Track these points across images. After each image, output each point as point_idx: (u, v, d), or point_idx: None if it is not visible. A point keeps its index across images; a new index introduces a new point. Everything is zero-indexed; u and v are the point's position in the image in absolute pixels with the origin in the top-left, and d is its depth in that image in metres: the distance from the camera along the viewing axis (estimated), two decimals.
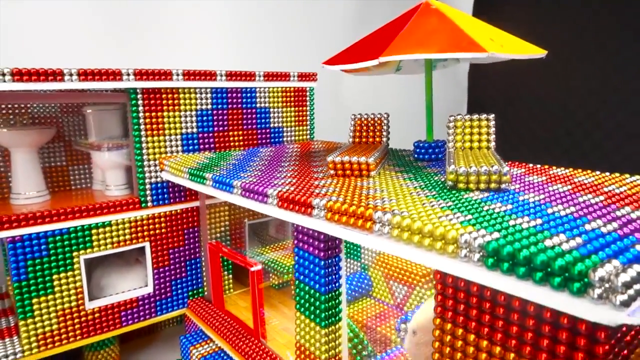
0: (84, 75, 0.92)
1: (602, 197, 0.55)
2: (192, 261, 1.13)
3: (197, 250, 1.13)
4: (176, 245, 1.10)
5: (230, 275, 1.18)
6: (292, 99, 1.26)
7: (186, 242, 1.11)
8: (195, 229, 1.12)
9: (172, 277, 1.10)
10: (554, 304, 0.34)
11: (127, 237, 1.02)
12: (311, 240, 0.66)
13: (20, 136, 1.04)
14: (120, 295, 1.04)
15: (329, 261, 0.66)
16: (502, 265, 0.37)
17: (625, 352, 0.42)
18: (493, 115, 0.77)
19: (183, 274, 1.12)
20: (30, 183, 1.05)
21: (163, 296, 1.10)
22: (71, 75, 0.90)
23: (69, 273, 0.96)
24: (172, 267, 1.10)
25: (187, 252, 1.12)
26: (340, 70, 0.93)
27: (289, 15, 1.82)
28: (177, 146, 1.07)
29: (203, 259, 1.14)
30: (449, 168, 0.60)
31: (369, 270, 1.10)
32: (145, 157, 1.03)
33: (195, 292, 1.15)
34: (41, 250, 0.92)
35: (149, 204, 1.05)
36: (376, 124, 0.91)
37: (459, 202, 0.53)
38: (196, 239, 1.13)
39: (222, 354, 0.97)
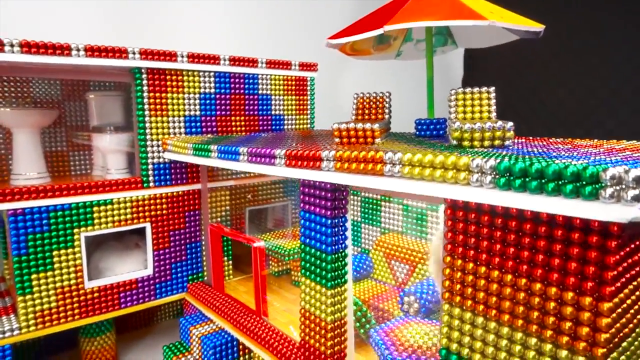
0: (91, 51, 0.93)
1: (602, 150, 0.57)
2: (193, 245, 1.13)
3: (197, 234, 1.13)
4: (177, 227, 1.09)
5: (230, 262, 1.17)
6: (293, 87, 1.28)
7: (187, 224, 1.11)
8: (197, 212, 1.12)
9: (172, 260, 1.10)
10: (566, 210, 0.35)
11: (128, 216, 1.02)
12: (317, 201, 0.67)
13: (23, 116, 1.04)
14: (120, 276, 1.04)
15: (336, 220, 0.66)
16: (514, 183, 0.39)
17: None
18: (493, 87, 0.79)
19: (183, 257, 1.11)
20: (31, 164, 1.05)
21: (163, 279, 1.09)
22: (78, 50, 0.91)
23: (69, 250, 0.95)
24: (172, 249, 1.09)
25: (187, 235, 1.11)
26: (342, 54, 0.95)
27: (290, 7, 1.85)
28: (180, 128, 1.08)
29: (203, 243, 1.14)
30: (454, 125, 0.62)
31: (370, 253, 1.11)
32: (148, 137, 1.04)
33: (195, 276, 1.14)
34: (42, 225, 0.92)
35: (151, 184, 1.05)
36: (378, 102, 0.92)
37: (465, 152, 0.54)
38: (197, 223, 1.13)
39: (223, 334, 0.96)
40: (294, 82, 1.28)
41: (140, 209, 1.04)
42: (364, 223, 1.17)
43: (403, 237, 1.05)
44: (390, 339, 0.71)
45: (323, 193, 0.66)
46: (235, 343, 0.94)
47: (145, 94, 1.02)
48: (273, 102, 1.25)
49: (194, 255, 1.13)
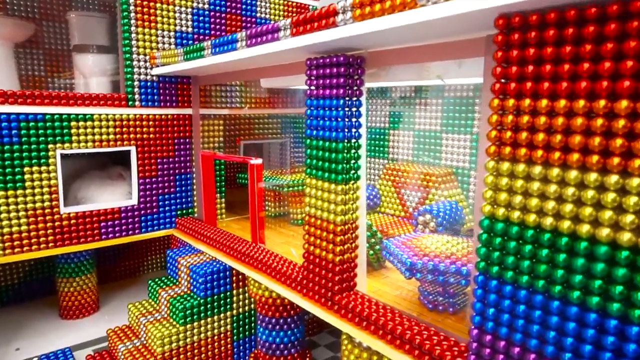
0: None
1: None
2: (183, 176, 1.03)
3: (188, 164, 1.03)
4: (165, 154, 0.99)
5: (223, 200, 1.08)
6: (294, 15, 1.18)
7: (176, 152, 1.01)
8: (187, 140, 1.02)
9: (160, 191, 1.00)
10: None
11: (111, 136, 0.92)
12: (328, 81, 0.57)
13: None
14: (101, 204, 0.93)
15: (349, 102, 0.57)
16: None
17: None
18: None
19: (172, 189, 1.02)
20: (3, 82, 0.94)
21: (149, 211, 0.99)
22: None
23: (43, 168, 0.85)
24: (159, 178, 0.99)
25: (177, 165, 1.01)
26: None
27: None
28: (169, 44, 0.97)
29: (194, 175, 1.04)
30: None
31: (376, 183, 1.02)
32: (134, 49, 0.93)
33: (184, 211, 1.04)
34: (12, 136, 0.81)
35: (137, 103, 0.95)
36: None
37: None
38: (187, 152, 1.03)
39: (214, 263, 0.86)
40: (294, 9, 1.18)
41: (125, 129, 0.93)
42: (369, 157, 1.08)
43: (413, 165, 0.96)
44: (409, 247, 0.61)
45: (335, 69, 0.57)
46: (228, 273, 0.85)
47: (131, 0, 0.92)
48: None
49: (183, 188, 1.03)
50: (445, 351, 0.47)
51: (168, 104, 0.99)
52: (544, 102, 0.36)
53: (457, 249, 0.60)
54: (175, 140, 1.01)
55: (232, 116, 1.12)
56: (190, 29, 1.00)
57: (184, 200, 1.04)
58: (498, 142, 0.40)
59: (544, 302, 0.37)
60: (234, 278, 0.86)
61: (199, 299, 0.82)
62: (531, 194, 0.38)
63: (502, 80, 0.39)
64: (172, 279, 0.93)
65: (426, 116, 0.93)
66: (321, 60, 0.58)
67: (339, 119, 0.57)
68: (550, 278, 0.37)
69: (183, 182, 1.03)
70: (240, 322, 0.88)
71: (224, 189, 1.07)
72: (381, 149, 1.06)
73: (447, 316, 0.59)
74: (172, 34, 0.97)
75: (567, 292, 0.36)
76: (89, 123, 0.89)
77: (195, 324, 0.82)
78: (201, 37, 1.02)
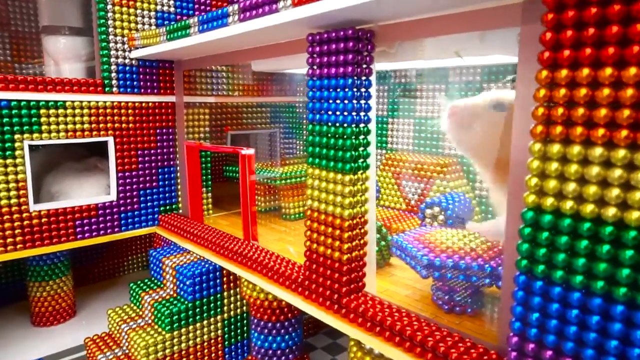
0: None
1: None
2: (166, 169, 0.95)
3: (171, 156, 0.95)
4: (146, 145, 0.91)
5: (210, 194, 1.00)
6: None
7: (159, 144, 0.93)
8: (170, 130, 0.95)
9: (141, 186, 0.92)
10: None
11: (86, 126, 0.84)
12: (334, 58, 0.51)
13: None
14: (75, 200, 0.85)
15: (359, 81, 0.51)
16: None
17: None
18: None
19: (154, 183, 0.94)
20: None
21: (129, 207, 0.91)
22: None
23: (9, 161, 0.76)
24: (140, 172, 0.91)
25: (159, 157, 0.94)
26: None
27: None
28: (149, 24, 0.89)
29: (178, 167, 0.96)
30: None
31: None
32: (111, 29, 0.85)
33: (167, 207, 0.97)
34: None
35: (114, 89, 0.86)
36: None
37: None
38: (170, 143, 0.95)
39: (203, 263, 0.79)
40: None
41: (101, 118, 0.85)
42: None
43: (414, 154, 0.90)
44: (423, 243, 0.56)
45: (342, 45, 0.50)
46: (218, 274, 0.78)
47: None
48: None
49: (166, 182, 0.95)
50: None
51: (149, 90, 0.90)
52: (607, 71, 0.30)
53: (476, 245, 0.54)
54: (157, 130, 0.93)
55: (219, 104, 1.04)
56: (172, 9, 0.92)
57: (167, 195, 0.96)
58: (546, 121, 0.34)
59: (604, 306, 0.32)
60: (225, 279, 0.79)
61: (186, 302, 0.75)
62: (589, 180, 0.32)
63: (552, 48, 0.33)
64: (156, 281, 0.86)
65: (427, 103, 0.88)
66: (325, 35, 0.52)
67: (347, 101, 0.51)
68: (612, 279, 0.31)
69: (166, 176, 0.95)
70: (232, 327, 0.81)
71: (210, 182, 0.99)
72: (379, 138, 1.00)
73: (465, 318, 0.54)
74: (152, 13, 0.89)
75: (634, 295, 0.31)
76: (60, 111, 0.80)
77: (183, 330, 0.75)
78: (184, 17, 0.94)
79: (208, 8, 0.96)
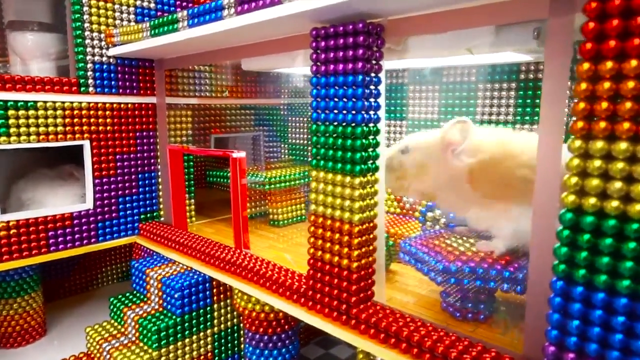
0: None
1: None
2: (146, 175, 0.89)
3: (152, 161, 0.90)
4: (125, 149, 0.86)
5: (192, 201, 0.95)
6: None
7: (139, 148, 0.87)
8: (151, 132, 0.89)
9: (120, 192, 0.86)
10: None
11: (59, 128, 0.77)
12: (342, 53, 0.48)
13: None
14: (48, 209, 0.78)
15: (368, 78, 0.48)
16: None
17: None
18: None
19: (134, 190, 0.88)
20: None
21: (107, 216, 0.85)
22: None
23: None
24: (119, 178, 0.85)
25: (139, 162, 0.88)
26: None
27: None
28: (128, 20, 0.84)
29: (160, 173, 0.91)
30: None
31: None
32: (87, 25, 0.79)
33: (148, 215, 0.91)
34: None
35: (90, 89, 0.80)
36: None
37: None
38: (151, 147, 0.89)
39: (191, 274, 0.74)
40: None
41: (77, 120, 0.79)
42: None
43: None
44: (433, 249, 0.53)
45: (351, 39, 0.47)
46: (208, 285, 0.73)
47: None
48: None
49: (147, 189, 0.90)
50: None
51: (128, 90, 0.85)
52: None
53: (493, 247, 0.52)
54: (137, 134, 0.87)
55: (202, 106, 0.99)
56: (152, 4, 0.87)
57: (148, 202, 0.90)
58: (587, 117, 0.32)
59: None
60: (215, 290, 0.74)
61: (174, 317, 0.70)
62: (637, 178, 0.30)
63: (595, 39, 0.32)
64: (138, 295, 0.80)
65: (421, 104, 0.86)
66: (332, 30, 0.49)
67: (357, 99, 0.48)
68: None
69: (147, 182, 0.89)
70: (222, 341, 0.77)
71: (193, 188, 0.94)
72: None
73: (479, 325, 0.52)
74: (131, 9, 0.84)
75: None
76: (31, 112, 0.74)
77: (171, 347, 0.69)
78: (165, 14, 0.88)
79: (190, 4, 0.92)
